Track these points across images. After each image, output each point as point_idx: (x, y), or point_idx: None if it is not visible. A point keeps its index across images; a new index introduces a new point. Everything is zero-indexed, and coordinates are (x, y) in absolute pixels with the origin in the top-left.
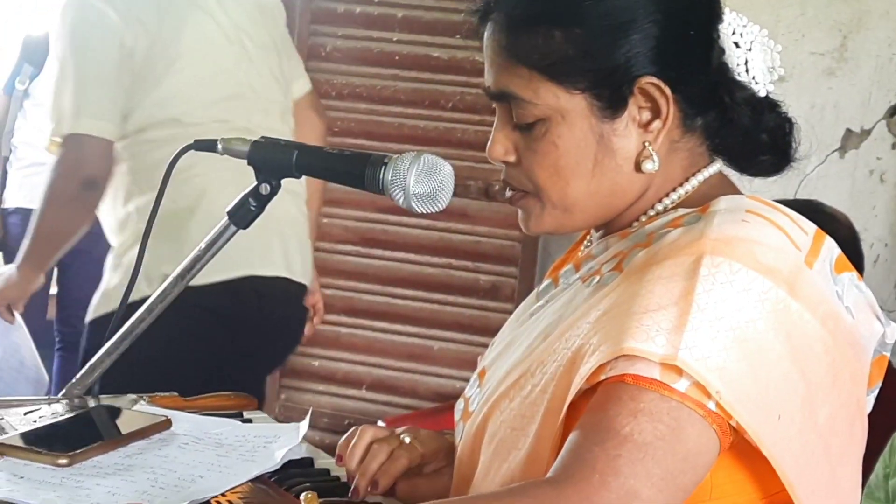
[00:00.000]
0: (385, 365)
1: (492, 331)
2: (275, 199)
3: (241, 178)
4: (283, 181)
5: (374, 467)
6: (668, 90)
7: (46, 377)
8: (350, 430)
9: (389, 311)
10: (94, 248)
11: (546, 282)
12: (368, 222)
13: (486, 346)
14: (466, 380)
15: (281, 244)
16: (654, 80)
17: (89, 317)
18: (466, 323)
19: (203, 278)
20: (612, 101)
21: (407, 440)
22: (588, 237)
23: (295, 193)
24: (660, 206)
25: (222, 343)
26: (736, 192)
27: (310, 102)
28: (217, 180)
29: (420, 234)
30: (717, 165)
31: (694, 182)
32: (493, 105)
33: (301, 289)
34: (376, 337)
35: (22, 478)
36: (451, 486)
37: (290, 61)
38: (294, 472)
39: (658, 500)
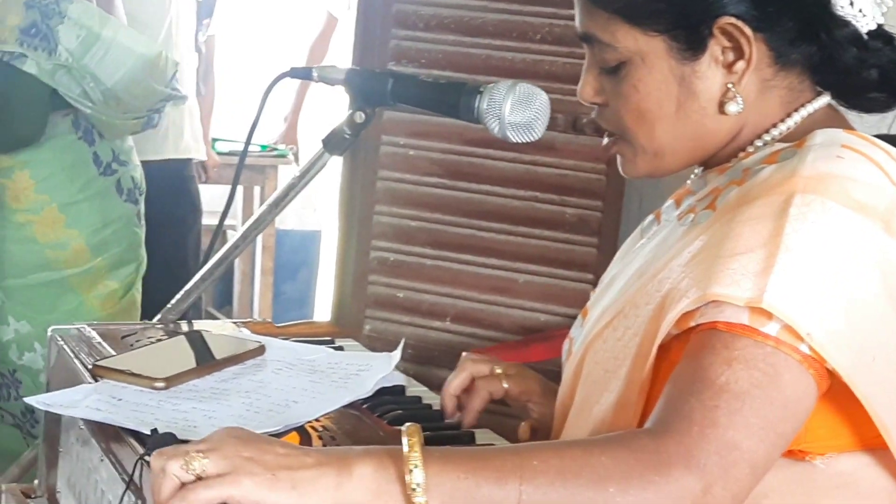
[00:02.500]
0: (469, 297)
1: (577, 265)
2: None
3: None
4: None
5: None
6: (748, 30)
7: None
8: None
9: (474, 244)
10: None
11: (650, 218)
12: (454, 154)
13: (571, 279)
14: (551, 313)
15: None
16: (734, 20)
17: None
18: (552, 256)
19: None
20: (691, 42)
21: (498, 370)
22: (693, 173)
23: None
24: (759, 142)
25: None
26: (842, 125)
27: None
28: None
29: (506, 167)
30: (825, 99)
31: (796, 117)
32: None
33: None
34: (461, 269)
35: (120, 400)
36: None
37: None
38: (386, 400)
39: (758, 450)
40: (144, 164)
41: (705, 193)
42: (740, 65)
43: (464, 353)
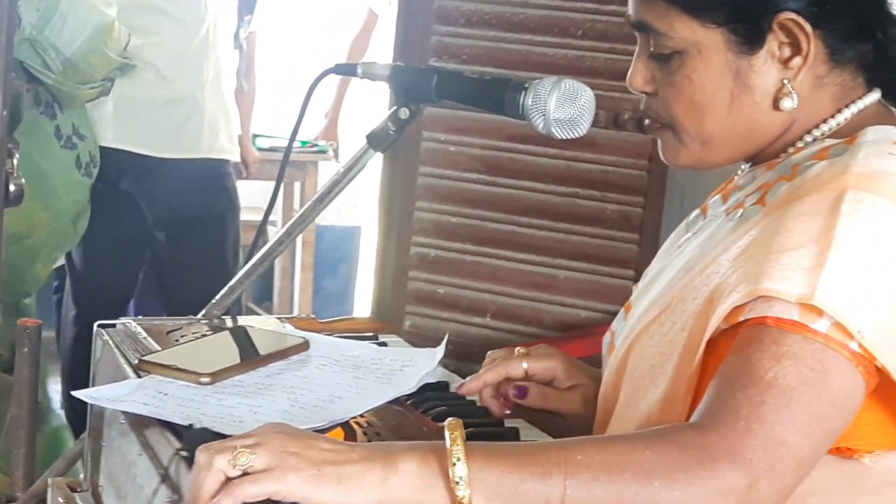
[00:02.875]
0: (509, 293)
1: (618, 261)
2: None
3: None
4: None
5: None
6: (808, 27)
7: None
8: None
9: (515, 240)
10: None
11: (695, 212)
12: (495, 150)
13: (612, 276)
14: (591, 310)
15: None
16: (794, 16)
17: None
18: (592, 253)
19: None
20: (749, 36)
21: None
22: (740, 168)
23: None
24: (808, 138)
25: None
26: (892, 122)
27: None
28: None
29: (547, 163)
30: (875, 95)
31: (847, 113)
32: (635, 35)
33: None
34: (501, 265)
35: (166, 395)
36: (581, 403)
37: None
38: (430, 396)
39: (805, 446)
40: (180, 161)
41: (754, 189)
42: (797, 61)
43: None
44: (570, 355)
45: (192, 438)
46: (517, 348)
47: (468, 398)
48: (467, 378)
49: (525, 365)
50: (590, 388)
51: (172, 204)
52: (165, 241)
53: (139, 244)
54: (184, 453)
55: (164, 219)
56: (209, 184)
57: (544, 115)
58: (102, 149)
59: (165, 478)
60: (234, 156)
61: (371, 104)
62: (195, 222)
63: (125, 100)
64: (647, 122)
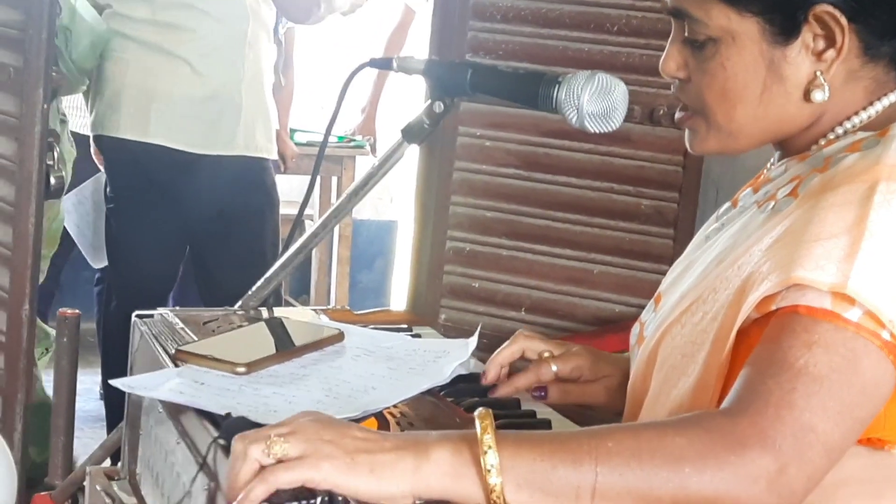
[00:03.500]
0: (544, 288)
1: (653, 256)
2: None
3: None
4: None
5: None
6: (843, 20)
7: None
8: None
9: (550, 235)
10: None
11: (726, 204)
12: (530, 145)
13: (646, 271)
14: (626, 304)
15: None
16: (830, 8)
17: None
18: (627, 248)
19: None
20: (784, 26)
21: (546, 354)
22: (770, 161)
23: None
24: (840, 130)
25: None
26: None
27: None
28: None
29: (582, 158)
30: None
31: (878, 106)
32: (671, 25)
33: None
34: (536, 259)
35: (203, 384)
36: (604, 394)
37: None
38: (463, 388)
39: (834, 433)
40: (216, 158)
41: (786, 181)
42: (830, 53)
43: (518, 330)
44: (595, 349)
45: (229, 427)
46: (544, 350)
47: None
48: (493, 360)
49: (554, 368)
50: (614, 378)
51: (210, 200)
52: (204, 236)
53: (180, 238)
54: (221, 442)
55: (203, 214)
56: (247, 180)
57: (577, 108)
58: (141, 144)
59: (203, 466)
60: (271, 154)
61: (408, 100)
62: (233, 218)
63: (162, 95)
64: (678, 113)
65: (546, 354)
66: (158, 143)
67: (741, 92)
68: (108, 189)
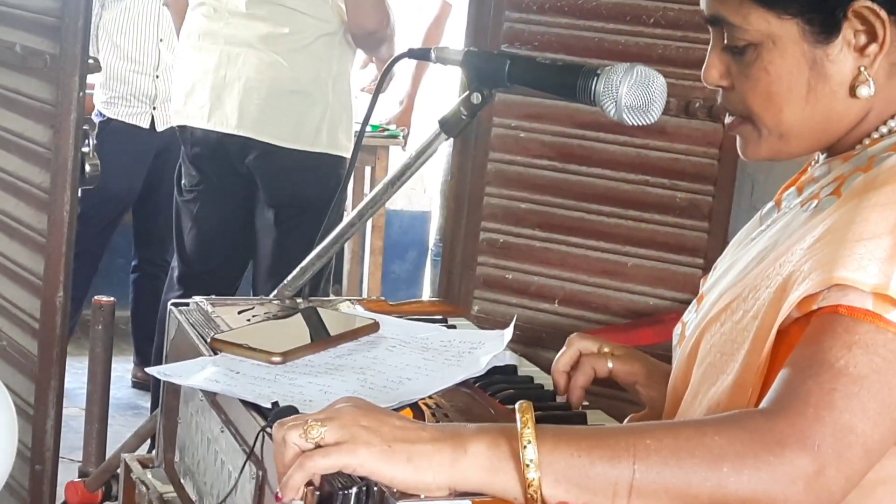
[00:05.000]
0: (578, 280)
1: (687, 249)
2: None
3: None
4: None
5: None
6: (883, 13)
7: None
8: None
9: (584, 227)
10: None
11: (769, 205)
12: (565, 137)
13: (681, 264)
14: (659, 297)
15: None
16: (869, 3)
17: None
18: (661, 241)
19: None
20: (824, 25)
21: (605, 349)
22: (814, 160)
23: None
24: (884, 129)
25: None
26: None
27: None
28: None
29: (617, 151)
30: None
31: None
32: (709, 28)
33: None
34: (570, 252)
35: (238, 373)
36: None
37: None
38: (498, 379)
39: (874, 434)
40: (299, 152)
41: (829, 180)
42: (873, 48)
43: (573, 334)
44: (653, 360)
45: (277, 416)
46: (602, 346)
47: (535, 381)
48: (556, 369)
49: (611, 365)
50: (662, 400)
51: (288, 190)
52: (273, 222)
53: (251, 231)
54: (269, 431)
55: (277, 201)
56: (326, 175)
57: (616, 101)
58: (224, 135)
59: (251, 455)
60: (348, 153)
61: (445, 93)
62: (307, 208)
63: (250, 88)
64: (726, 120)
65: (605, 350)
66: (245, 135)
67: (786, 94)
68: (184, 181)
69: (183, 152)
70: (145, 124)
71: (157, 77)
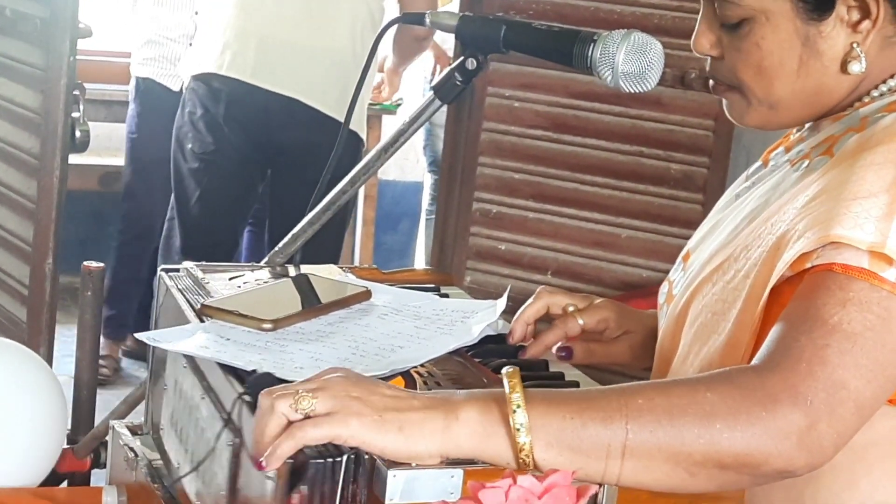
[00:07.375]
0: (571, 251)
1: (681, 221)
2: None
3: None
4: None
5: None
6: None
7: None
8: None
9: (577, 198)
10: None
11: (756, 164)
12: (560, 107)
13: (675, 236)
14: (653, 269)
15: None
16: None
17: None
18: (655, 212)
19: None
20: (818, 3)
21: (571, 308)
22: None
23: None
24: (875, 93)
25: None
26: None
27: None
28: None
29: (611, 121)
30: None
31: None
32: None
33: None
34: (563, 223)
35: (228, 340)
36: (628, 352)
37: None
38: (491, 348)
39: (866, 391)
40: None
41: (820, 140)
42: (866, 24)
43: (541, 286)
44: (619, 303)
45: (255, 383)
46: (568, 304)
47: None
48: (519, 318)
49: (581, 321)
50: (637, 335)
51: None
52: (271, 178)
53: (249, 201)
54: (247, 398)
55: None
56: (350, 154)
57: (612, 67)
58: (272, 95)
59: (228, 422)
60: (362, 132)
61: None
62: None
63: (299, 49)
64: (712, 83)
65: (571, 308)
66: (296, 97)
67: (777, 69)
68: (190, 145)
69: (195, 114)
70: (175, 87)
71: (191, 45)
